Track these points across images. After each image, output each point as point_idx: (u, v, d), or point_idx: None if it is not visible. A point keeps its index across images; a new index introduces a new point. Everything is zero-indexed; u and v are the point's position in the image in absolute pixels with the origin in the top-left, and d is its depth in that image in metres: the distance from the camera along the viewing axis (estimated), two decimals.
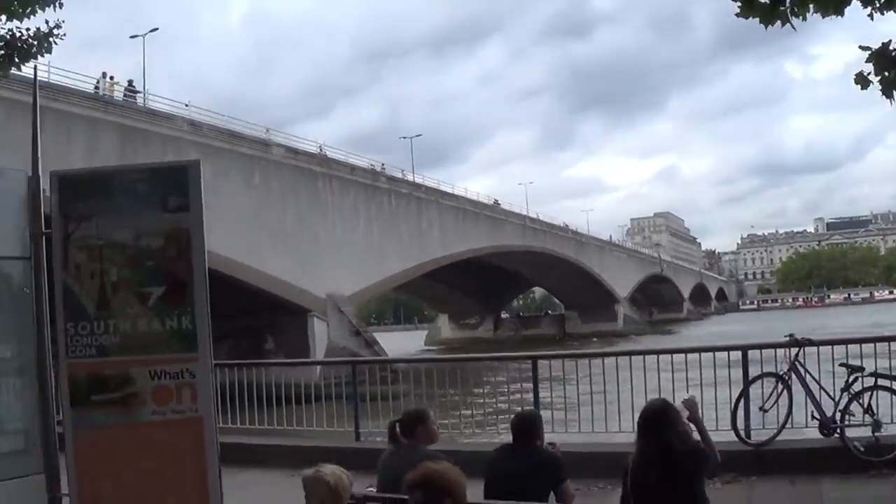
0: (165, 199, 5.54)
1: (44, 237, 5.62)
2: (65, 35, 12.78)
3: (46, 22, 12.57)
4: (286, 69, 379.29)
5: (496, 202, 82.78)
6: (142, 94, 43.31)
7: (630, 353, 12.92)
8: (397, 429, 7.69)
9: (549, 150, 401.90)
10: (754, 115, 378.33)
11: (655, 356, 11.75)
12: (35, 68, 6.08)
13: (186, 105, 45.16)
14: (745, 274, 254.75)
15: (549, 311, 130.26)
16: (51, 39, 12.73)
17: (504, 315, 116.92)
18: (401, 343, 78.39)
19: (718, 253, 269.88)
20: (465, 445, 11.86)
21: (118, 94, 42.32)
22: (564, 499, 7.07)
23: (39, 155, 5.71)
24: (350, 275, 49.84)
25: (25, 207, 5.63)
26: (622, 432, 11.29)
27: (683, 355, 11.89)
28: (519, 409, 11.82)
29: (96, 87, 40.37)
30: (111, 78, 42.53)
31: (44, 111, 33.11)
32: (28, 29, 12.60)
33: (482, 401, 15.96)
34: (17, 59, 12.94)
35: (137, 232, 5.50)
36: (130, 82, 44.24)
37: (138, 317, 5.49)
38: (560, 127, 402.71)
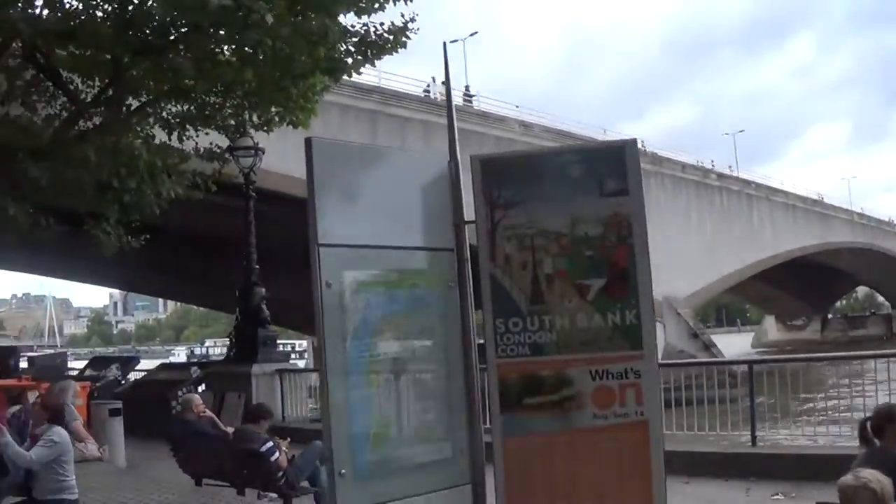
0: (602, 182, 4.96)
1: (465, 226, 5.19)
2: (418, 30, 12.71)
3: (402, 15, 12.56)
4: (597, 71, 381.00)
5: (821, 197, 79.36)
6: (476, 98, 44.33)
7: None
8: (868, 429, 6.89)
9: (863, 142, 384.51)
10: None
11: None
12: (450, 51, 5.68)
13: (517, 107, 45.85)
14: None
15: (875, 311, 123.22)
16: (406, 33, 12.70)
17: (829, 315, 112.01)
18: (728, 346, 75.80)
19: None
20: None
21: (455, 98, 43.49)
22: None
23: (457, 138, 5.33)
24: (684, 276, 48.51)
25: (447, 195, 5.21)
26: None
27: None
28: None
29: (426, 92, 41.48)
30: (443, 83, 43.66)
31: (377, 115, 34.71)
32: (382, 23, 12.62)
33: (836, 402, 15.19)
34: (370, 55, 13.02)
35: (573, 219, 4.94)
36: (467, 87, 45.48)
37: (577, 311, 4.94)
38: (873, 119, 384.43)
